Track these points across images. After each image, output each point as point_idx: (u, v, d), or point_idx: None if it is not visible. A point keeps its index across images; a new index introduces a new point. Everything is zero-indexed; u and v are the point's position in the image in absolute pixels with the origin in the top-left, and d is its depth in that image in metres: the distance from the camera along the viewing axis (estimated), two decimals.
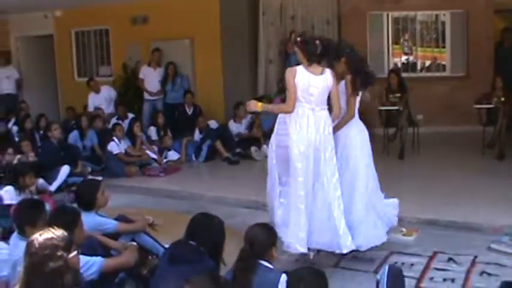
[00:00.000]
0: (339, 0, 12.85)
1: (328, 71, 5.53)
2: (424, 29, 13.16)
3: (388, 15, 12.97)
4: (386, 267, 4.12)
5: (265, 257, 4.02)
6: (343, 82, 5.81)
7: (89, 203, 5.22)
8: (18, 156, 9.18)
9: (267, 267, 3.97)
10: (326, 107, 5.57)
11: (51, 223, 3.95)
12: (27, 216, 4.54)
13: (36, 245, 3.18)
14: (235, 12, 12.27)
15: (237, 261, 3.97)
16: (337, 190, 5.49)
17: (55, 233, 3.29)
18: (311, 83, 5.43)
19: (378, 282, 4.12)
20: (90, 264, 4.06)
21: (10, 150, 9.05)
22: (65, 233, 3.36)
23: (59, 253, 3.18)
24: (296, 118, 5.45)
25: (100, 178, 7.93)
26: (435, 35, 13.15)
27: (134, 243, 5.01)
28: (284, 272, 3.91)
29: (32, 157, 9.29)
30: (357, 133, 5.92)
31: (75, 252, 3.35)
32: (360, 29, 12.78)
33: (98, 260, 4.21)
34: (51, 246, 3.18)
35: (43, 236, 3.25)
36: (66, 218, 4.24)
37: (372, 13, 12.89)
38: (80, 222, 4.42)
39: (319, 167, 5.47)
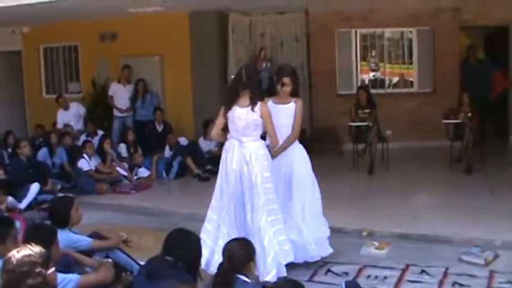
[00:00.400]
0: (308, 18, 13.00)
1: (256, 105, 5.61)
2: (391, 46, 13.33)
3: (356, 32, 13.13)
4: (343, 284, 4.14)
5: (243, 271, 4.04)
6: (291, 105, 6.02)
7: (63, 220, 5.19)
8: None
9: (244, 281, 4.00)
10: (253, 138, 5.68)
11: (27, 240, 3.92)
12: None
13: (14, 262, 3.15)
14: (205, 29, 12.31)
15: (216, 276, 4.01)
16: (270, 215, 5.56)
17: (33, 249, 3.27)
18: (235, 114, 5.61)
19: None
20: (66, 282, 4.03)
21: None
22: (43, 250, 3.34)
23: (37, 269, 3.16)
24: (224, 151, 5.78)
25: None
26: (402, 51, 13.32)
27: (110, 259, 4.99)
28: (263, 286, 3.95)
29: (0, 175, 9.18)
30: (298, 150, 6.14)
31: (53, 269, 3.33)
32: (329, 46, 12.94)
33: (74, 277, 4.19)
34: (29, 263, 3.16)
35: (21, 252, 3.22)
36: (43, 236, 4.20)
37: (340, 30, 13.04)
38: (56, 239, 4.40)
39: (247, 194, 5.61)
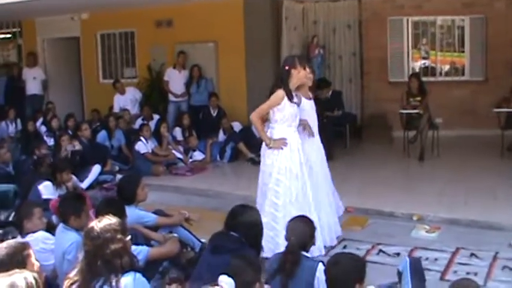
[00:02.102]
0: (360, 5, 13.12)
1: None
2: (443, 34, 13.33)
3: (408, 20, 13.17)
4: (407, 259, 4.35)
5: (307, 248, 4.27)
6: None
7: (130, 197, 5.52)
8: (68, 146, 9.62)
9: (306, 256, 4.21)
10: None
11: (101, 212, 4.25)
12: (73, 207, 4.84)
13: (98, 230, 3.47)
14: (259, 16, 12.47)
15: (286, 254, 4.15)
16: None
17: (111, 219, 3.59)
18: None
19: (400, 274, 4.35)
20: (138, 252, 4.34)
21: (44, 147, 9.31)
22: (120, 220, 3.66)
23: (119, 236, 3.48)
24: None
25: None
26: (454, 39, 13.31)
27: (175, 234, 5.29)
28: (320, 261, 4.17)
29: (77, 145, 9.63)
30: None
31: (129, 237, 3.64)
32: (381, 34, 13.04)
33: (145, 248, 4.51)
34: (111, 230, 3.48)
35: (102, 222, 3.54)
36: (115, 208, 4.52)
37: (392, 18, 13.10)
38: (125, 212, 4.73)
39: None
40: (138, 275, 3.50)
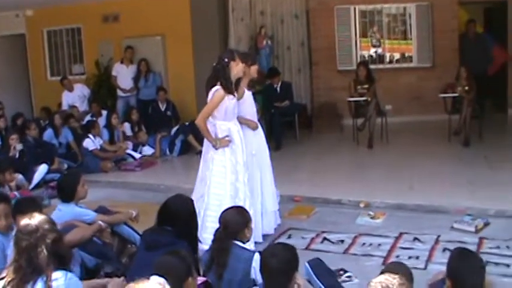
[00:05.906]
0: None
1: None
2: (390, 22, 13.42)
3: (355, 9, 13.19)
4: (306, 265, 4.28)
5: (238, 237, 4.25)
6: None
7: (70, 195, 5.41)
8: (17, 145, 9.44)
9: (240, 246, 4.20)
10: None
11: (17, 212, 4.22)
12: None
13: (36, 223, 3.39)
14: (206, 9, 12.43)
15: (213, 242, 4.19)
16: None
17: (41, 215, 3.54)
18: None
19: (309, 281, 4.33)
20: None
21: None
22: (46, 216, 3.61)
23: (54, 227, 3.48)
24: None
25: None
26: (402, 27, 13.39)
27: (100, 222, 5.22)
28: (257, 251, 4.15)
29: (20, 147, 9.46)
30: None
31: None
32: (328, 23, 13.03)
33: None
34: (47, 223, 3.44)
35: (35, 218, 3.46)
36: (34, 207, 4.43)
37: (339, 7, 13.10)
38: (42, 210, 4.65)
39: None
40: (70, 274, 3.43)
